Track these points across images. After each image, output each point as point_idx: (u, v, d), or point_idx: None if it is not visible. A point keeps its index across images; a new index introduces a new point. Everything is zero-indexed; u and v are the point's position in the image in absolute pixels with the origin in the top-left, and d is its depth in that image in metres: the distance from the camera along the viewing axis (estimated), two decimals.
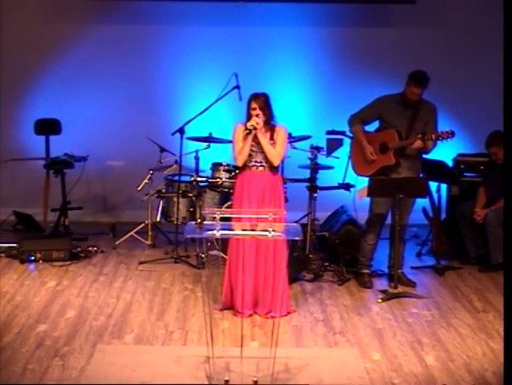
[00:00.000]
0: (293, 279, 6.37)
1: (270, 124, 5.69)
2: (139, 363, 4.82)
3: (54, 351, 4.99)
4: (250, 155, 5.68)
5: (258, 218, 4.96)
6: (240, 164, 5.72)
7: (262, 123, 5.61)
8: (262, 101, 5.63)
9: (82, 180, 7.77)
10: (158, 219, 7.37)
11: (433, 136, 6.17)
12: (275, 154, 5.66)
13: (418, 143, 6.19)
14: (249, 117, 5.66)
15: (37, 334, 5.26)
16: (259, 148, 5.66)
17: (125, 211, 8.38)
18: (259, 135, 5.63)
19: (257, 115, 5.60)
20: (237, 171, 6.89)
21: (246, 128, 5.61)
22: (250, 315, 5.68)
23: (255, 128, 5.59)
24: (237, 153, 5.69)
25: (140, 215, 7.61)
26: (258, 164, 5.69)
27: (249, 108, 5.66)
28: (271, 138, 5.67)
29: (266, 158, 5.67)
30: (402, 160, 6.33)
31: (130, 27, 8.16)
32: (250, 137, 5.62)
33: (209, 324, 5.03)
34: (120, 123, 8.20)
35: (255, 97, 5.64)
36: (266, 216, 4.56)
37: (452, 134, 6.11)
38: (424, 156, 6.53)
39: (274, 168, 5.72)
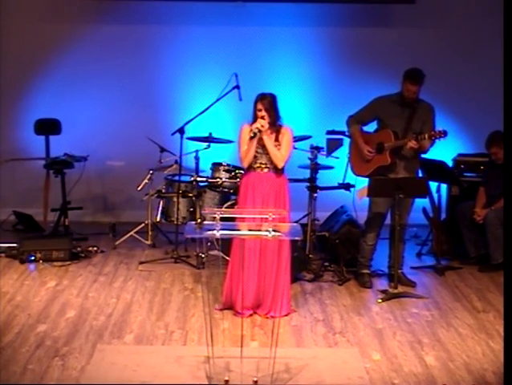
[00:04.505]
0: (293, 279, 6.35)
1: (275, 125, 5.65)
2: (139, 363, 4.83)
3: (54, 351, 4.99)
4: (255, 156, 5.65)
5: (262, 219, 4.94)
6: (246, 165, 5.70)
7: (267, 126, 5.58)
8: (268, 102, 5.59)
9: (82, 180, 7.77)
10: (158, 219, 7.36)
11: (426, 136, 6.12)
12: (280, 156, 5.64)
13: (412, 143, 6.14)
14: (255, 117, 5.63)
15: (37, 334, 5.26)
16: (264, 150, 5.64)
17: (125, 211, 8.38)
18: (264, 138, 5.59)
19: (262, 117, 5.58)
20: (237, 171, 6.91)
21: (252, 131, 5.59)
22: (250, 315, 5.68)
23: (260, 131, 5.57)
24: (243, 155, 5.66)
25: (140, 215, 7.61)
26: (263, 166, 5.68)
27: (255, 109, 5.62)
28: (276, 139, 5.65)
29: (270, 159, 5.65)
30: (398, 160, 6.32)
31: (130, 27, 8.16)
32: (256, 139, 5.59)
33: (209, 324, 5.03)
34: (120, 123, 8.20)
35: (261, 98, 5.60)
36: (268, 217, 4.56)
37: (444, 133, 6.06)
38: (423, 155, 6.52)
39: (278, 170, 5.69)
